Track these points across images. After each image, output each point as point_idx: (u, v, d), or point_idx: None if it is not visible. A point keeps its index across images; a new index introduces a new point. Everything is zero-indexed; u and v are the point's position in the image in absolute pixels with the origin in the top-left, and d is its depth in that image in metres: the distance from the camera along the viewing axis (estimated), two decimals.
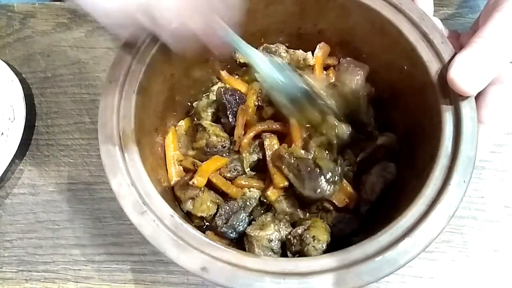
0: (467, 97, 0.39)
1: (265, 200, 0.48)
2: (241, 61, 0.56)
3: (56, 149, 0.62)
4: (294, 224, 0.48)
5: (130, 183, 0.38)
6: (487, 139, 0.41)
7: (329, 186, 0.43)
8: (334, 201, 0.47)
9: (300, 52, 0.55)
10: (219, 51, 0.40)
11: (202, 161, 0.49)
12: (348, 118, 0.49)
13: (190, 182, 0.46)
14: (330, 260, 0.34)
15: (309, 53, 0.55)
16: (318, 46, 0.54)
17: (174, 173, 0.50)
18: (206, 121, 0.52)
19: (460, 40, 0.49)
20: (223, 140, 0.50)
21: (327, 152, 0.48)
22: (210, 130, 0.50)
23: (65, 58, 0.68)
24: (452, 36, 0.49)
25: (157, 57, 0.44)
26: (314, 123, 0.47)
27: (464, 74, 0.38)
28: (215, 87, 0.55)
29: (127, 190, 0.37)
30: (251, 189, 0.49)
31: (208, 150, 0.49)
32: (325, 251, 0.42)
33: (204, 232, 0.40)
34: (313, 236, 0.42)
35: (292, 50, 0.56)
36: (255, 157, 0.50)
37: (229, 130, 0.51)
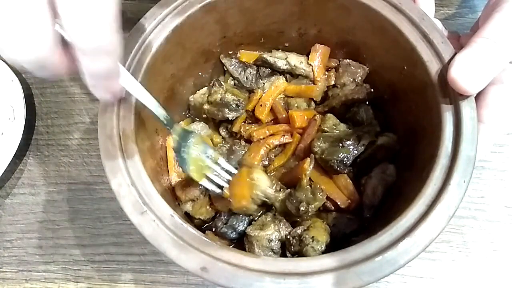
0: (467, 97, 0.39)
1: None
2: (244, 60, 0.56)
3: (56, 149, 0.62)
4: (294, 224, 0.48)
5: (130, 183, 0.38)
6: (487, 139, 0.41)
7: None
8: (337, 201, 0.47)
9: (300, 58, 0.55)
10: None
11: (214, 119, 0.53)
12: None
13: None
14: (330, 260, 0.34)
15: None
16: (315, 49, 0.54)
17: (175, 174, 0.51)
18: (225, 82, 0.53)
19: (460, 41, 0.49)
20: (238, 99, 0.50)
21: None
22: (226, 88, 0.51)
23: None
24: (452, 38, 0.49)
25: (157, 57, 0.44)
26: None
27: (465, 73, 0.38)
28: (215, 88, 0.55)
29: (127, 190, 0.37)
30: None
31: (221, 107, 0.51)
32: (325, 251, 0.42)
33: (204, 232, 0.40)
34: (312, 237, 0.42)
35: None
36: None
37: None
